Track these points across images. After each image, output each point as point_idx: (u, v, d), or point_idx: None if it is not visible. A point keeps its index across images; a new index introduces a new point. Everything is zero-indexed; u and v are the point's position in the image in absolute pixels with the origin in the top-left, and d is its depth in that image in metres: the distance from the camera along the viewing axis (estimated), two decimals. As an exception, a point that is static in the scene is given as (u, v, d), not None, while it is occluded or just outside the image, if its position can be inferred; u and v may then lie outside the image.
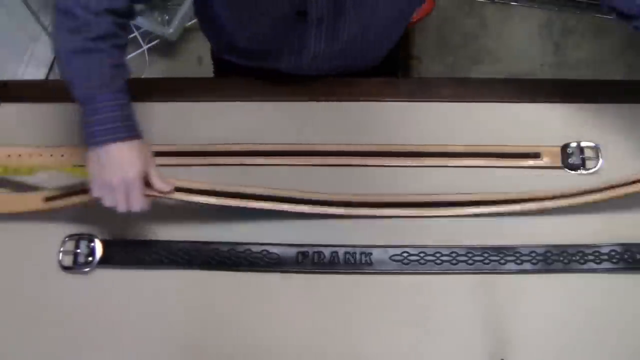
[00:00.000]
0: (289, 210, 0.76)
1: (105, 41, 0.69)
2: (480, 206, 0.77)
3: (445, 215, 0.77)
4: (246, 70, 0.91)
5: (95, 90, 0.69)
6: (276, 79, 0.88)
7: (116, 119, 0.69)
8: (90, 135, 0.69)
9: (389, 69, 1.00)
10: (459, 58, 1.88)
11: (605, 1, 0.72)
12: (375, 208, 0.78)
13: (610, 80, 0.90)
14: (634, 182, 0.77)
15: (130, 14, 0.74)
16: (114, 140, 0.68)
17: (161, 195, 0.72)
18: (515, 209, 0.77)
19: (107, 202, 0.69)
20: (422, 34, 1.86)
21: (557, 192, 0.77)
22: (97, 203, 0.70)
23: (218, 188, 0.75)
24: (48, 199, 0.77)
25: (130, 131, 0.70)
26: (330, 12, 0.74)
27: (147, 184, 0.71)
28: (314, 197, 0.77)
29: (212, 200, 0.74)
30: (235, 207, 0.75)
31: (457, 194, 0.78)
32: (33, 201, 0.78)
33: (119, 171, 0.68)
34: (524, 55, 1.86)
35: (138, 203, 0.69)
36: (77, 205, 0.75)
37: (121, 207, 0.69)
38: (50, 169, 0.79)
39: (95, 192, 0.70)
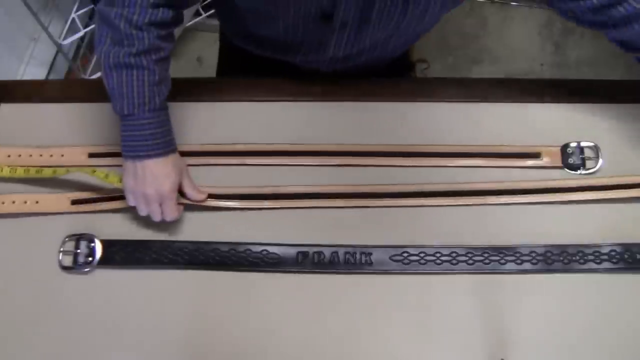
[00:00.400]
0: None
1: (147, 56, 0.69)
2: (481, 196, 0.78)
3: (445, 205, 0.78)
4: (252, 58, 0.90)
5: (134, 108, 0.69)
6: (278, 78, 0.88)
7: (155, 136, 0.70)
8: (128, 148, 0.70)
9: (398, 70, 1.00)
10: (459, 58, 1.88)
11: (612, 33, 0.72)
12: (372, 199, 0.78)
13: (610, 80, 0.90)
14: (633, 186, 0.77)
15: (176, 22, 0.72)
16: (151, 156, 0.70)
17: (194, 202, 0.76)
18: (515, 200, 0.78)
19: (142, 212, 0.73)
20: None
21: (556, 185, 0.78)
22: (123, 210, 0.74)
23: (244, 191, 0.79)
24: (75, 202, 0.79)
25: (167, 146, 0.72)
26: (356, 18, 0.73)
27: (181, 193, 0.74)
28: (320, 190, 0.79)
29: (238, 204, 0.78)
30: (258, 208, 0.78)
31: (456, 183, 0.79)
32: (61, 203, 0.79)
33: (154, 184, 0.70)
34: (524, 55, 1.86)
35: (172, 213, 0.73)
36: (105, 211, 0.78)
37: (156, 218, 0.73)
38: (75, 171, 0.79)
39: (131, 202, 0.73)
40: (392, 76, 0.96)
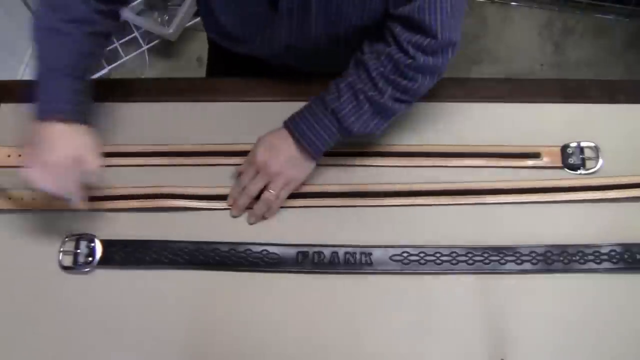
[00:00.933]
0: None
1: (77, 26, 0.70)
2: (481, 196, 0.78)
3: (445, 204, 0.78)
4: (233, 55, 0.92)
5: (53, 72, 0.70)
6: (274, 78, 0.88)
7: (67, 101, 0.69)
8: (36, 109, 0.69)
9: None
10: (459, 58, 1.87)
11: None
12: (372, 198, 0.78)
13: (610, 80, 0.90)
14: (632, 186, 0.77)
15: (114, 1, 0.74)
16: (55, 118, 0.69)
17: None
18: (515, 199, 0.78)
19: (38, 180, 0.68)
20: (422, 34, 1.86)
21: (556, 185, 0.78)
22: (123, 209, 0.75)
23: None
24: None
25: (74, 115, 0.70)
26: (300, 5, 0.75)
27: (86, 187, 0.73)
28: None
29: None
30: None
31: (456, 183, 0.79)
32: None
33: (54, 146, 0.68)
34: (524, 55, 1.86)
35: (72, 187, 0.70)
36: (105, 211, 0.79)
37: (51, 187, 0.69)
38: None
39: (28, 168, 0.69)
40: None
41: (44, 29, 0.71)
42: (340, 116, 0.72)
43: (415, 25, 0.68)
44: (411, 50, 0.69)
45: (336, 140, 0.75)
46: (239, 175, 0.79)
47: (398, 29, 0.70)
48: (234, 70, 0.96)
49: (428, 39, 0.68)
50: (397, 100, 0.72)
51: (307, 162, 0.76)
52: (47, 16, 0.71)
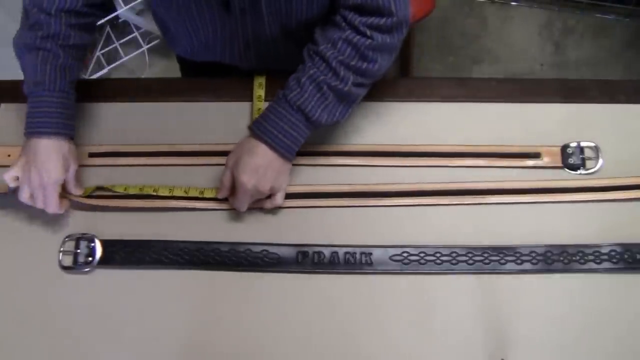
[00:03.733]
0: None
1: (53, 41, 0.74)
2: (481, 196, 0.78)
3: (445, 204, 0.78)
4: (204, 67, 0.94)
5: (34, 87, 0.74)
6: (271, 79, 0.88)
7: (47, 115, 0.73)
8: (26, 125, 0.74)
9: None
10: (459, 58, 1.88)
11: None
12: (372, 198, 0.78)
13: (610, 80, 0.90)
14: (632, 188, 0.77)
15: (90, 14, 0.77)
16: (39, 134, 0.73)
17: (76, 198, 0.77)
18: (514, 200, 0.78)
19: (23, 195, 0.74)
20: (422, 34, 1.86)
21: (556, 185, 0.78)
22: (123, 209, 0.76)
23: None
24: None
25: (54, 127, 0.73)
26: (250, 3, 0.76)
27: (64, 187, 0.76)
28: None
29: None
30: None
31: (456, 182, 0.79)
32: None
33: (37, 166, 0.72)
34: (524, 55, 1.87)
35: (51, 205, 0.74)
36: (104, 211, 0.79)
37: (37, 204, 0.74)
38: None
39: (17, 182, 0.74)
40: None
41: (24, 47, 0.75)
42: (307, 111, 0.72)
43: (371, 10, 0.70)
44: (368, 32, 0.70)
45: (306, 136, 0.74)
46: (231, 202, 0.77)
47: (351, 15, 0.71)
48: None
49: (384, 19, 0.70)
50: (358, 85, 0.73)
51: (285, 164, 0.75)
52: (26, 35, 0.75)
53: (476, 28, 1.91)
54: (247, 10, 0.77)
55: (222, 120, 0.86)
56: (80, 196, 0.78)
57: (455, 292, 0.73)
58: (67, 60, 0.75)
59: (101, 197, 0.79)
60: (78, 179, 0.78)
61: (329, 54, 0.71)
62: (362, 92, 0.75)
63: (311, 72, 0.72)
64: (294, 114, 0.72)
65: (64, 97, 0.75)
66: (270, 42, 0.83)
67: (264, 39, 0.82)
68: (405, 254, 0.75)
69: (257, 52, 0.86)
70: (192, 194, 0.78)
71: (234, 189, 0.75)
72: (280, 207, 0.78)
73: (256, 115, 0.79)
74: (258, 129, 0.73)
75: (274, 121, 0.73)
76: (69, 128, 0.75)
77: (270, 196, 0.76)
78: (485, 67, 1.86)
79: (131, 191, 0.78)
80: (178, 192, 0.78)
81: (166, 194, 0.78)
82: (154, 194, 0.78)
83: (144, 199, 0.78)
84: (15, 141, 0.83)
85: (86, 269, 0.75)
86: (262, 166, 0.73)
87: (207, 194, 0.78)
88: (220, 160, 0.81)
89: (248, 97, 0.87)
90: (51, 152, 0.73)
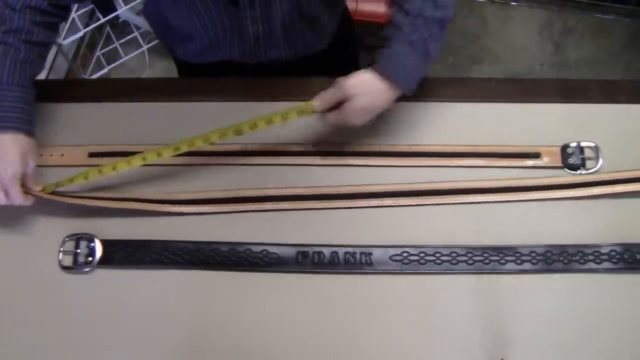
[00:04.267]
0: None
1: (15, 36, 0.74)
2: (480, 195, 0.78)
3: (445, 204, 0.78)
4: (204, 68, 0.93)
5: None
6: (273, 79, 0.88)
7: (9, 109, 0.73)
8: None
9: (344, 51, 1.03)
10: (459, 58, 1.88)
11: None
12: (372, 199, 0.78)
13: (610, 80, 0.90)
14: (631, 180, 0.77)
15: (52, 14, 0.78)
16: (2, 129, 0.72)
17: (38, 194, 0.76)
18: (511, 198, 0.78)
19: None
20: (422, 34, 1.86)
21: (554, 183, 0.77)
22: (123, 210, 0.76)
23: (243, 194, 0.79)
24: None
25: (10, 121, 0.73)
26: None
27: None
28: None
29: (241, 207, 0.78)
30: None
31: (456, 182, 0.79)
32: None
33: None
34: (524, 55, 1.87)
35: (18, 198, 0.73)
36: (105, 211, 0.78)
37: (1, 200, 0.74)
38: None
39: None
40: (339, 53, 0.99)
41: None
42: (426, 46, 0.72)
43: None
44: None
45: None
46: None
47: None
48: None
49: None
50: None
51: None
52: None
53: (476, 28, 1.91)
54: (257, 3, 0.77)
55: (223, 120, 0.85)
56: (42, 192, 0.76)
57: (455, 292, 0.73)
58: (28, 55, 0.75)
59: (101, 198, 0.79)
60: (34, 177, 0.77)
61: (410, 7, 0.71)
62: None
63: (414, 12, 0.71)
64: (415, 52, 0.72)
65: (23, 91, 0.75)
66: (281, 31, 0.83)
67: (274, 30, 0.83)
68: (405, 254, 0.75)
69: (268, 45, 0.86)
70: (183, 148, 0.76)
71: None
72: (280, 209, 0.78)
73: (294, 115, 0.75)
74: (387, 67, 0.72)
75: (400, 61, 0.72)
76: (28, 124, 0.75)
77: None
78: (485, 67, 1.86)
79: (119, 167, 0.76)
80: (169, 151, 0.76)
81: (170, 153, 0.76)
82: (148, 160, 0.76)
83: (143, 202, 0.77)
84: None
85: (86, 269, 0.75)
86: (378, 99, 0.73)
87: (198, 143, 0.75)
88: (221, 160, 0.82)
89: (249, 97, 0.87)
90: (9, 147, 0.72)
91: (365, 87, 0.72)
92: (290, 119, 0.74)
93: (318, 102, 0.73)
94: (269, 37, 0.85)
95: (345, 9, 1.01)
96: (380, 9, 1.53)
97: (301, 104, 0.73)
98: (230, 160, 0.82)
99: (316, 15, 0.85)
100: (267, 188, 0.79)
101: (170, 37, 0.94)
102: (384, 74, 0.72)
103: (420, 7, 0.71)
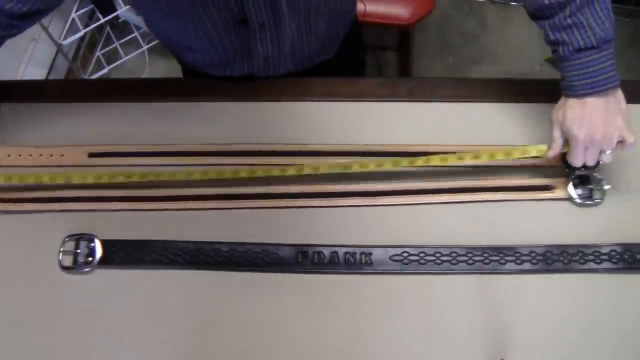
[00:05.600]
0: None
1: None
2: (480, 194, 0.78)
3: (445, 203, 0.78)
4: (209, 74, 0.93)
5: None
6: (273, 79, 0.88)
7: None
8: None
9: (350, 58, 1.03)
10: (459, 58, 1.88)
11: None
12: (372, 198, 0.78)
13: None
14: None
15: (16, 18, 0.72)
16: None
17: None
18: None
19: None
20: (422, 34, 1.87)
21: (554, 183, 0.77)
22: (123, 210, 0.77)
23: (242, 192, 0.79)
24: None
25: None
26: (270, 17, 0.76)
27: None
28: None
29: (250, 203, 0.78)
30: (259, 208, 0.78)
31: (456, 181, 0.78)
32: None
33: None
34: (524, 55, 1.86)
35: None
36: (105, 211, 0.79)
37: None
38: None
39: None
40: (345, 60, 0.99)
41: None
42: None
43: None
44: None
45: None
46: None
47: None
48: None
49: None
50: None
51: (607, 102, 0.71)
52: None
53: (476, 28, 1.92)
54: (267, 23, 0.77)
55: (223, 120, 0.86)
56: None
57: (455, 292, 0.73)
58: None
59: (101, 199, 0.79)
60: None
61: None
62: None
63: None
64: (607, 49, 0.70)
65: None
66: (290, 50, 0.84)
67: (284, 49, 0.83)
68: (405, 254, 0.75)
69: (277, 63, 0.87)
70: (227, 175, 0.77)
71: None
72: (281, 207, 0.78)
73: None
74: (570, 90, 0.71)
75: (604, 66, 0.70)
76: None
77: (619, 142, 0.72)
78: (485, 67, 1.86)
79: (134, 177, 0.77)
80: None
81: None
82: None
83: (145, 201, 0.78)
84: (15, 141, 0.83)
85: (86, 269, 0.75)
86: (586, 114, 0.70)
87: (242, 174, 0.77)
88: (220, 160, 0.82)
89: (248, 97, 0.87)
90: None
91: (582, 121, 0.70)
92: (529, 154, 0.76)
93: (552, 150, 0.74)
94: (277, 56, 0.85)
95: (354, 15, 1.00)
96: (389, 10, 1.51)
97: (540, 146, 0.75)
98: (230, 160, 0.82)
99: (325, 31, 0.85)
100: (268, 185, 0.79)
101: (174, 48, 0.93)
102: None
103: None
